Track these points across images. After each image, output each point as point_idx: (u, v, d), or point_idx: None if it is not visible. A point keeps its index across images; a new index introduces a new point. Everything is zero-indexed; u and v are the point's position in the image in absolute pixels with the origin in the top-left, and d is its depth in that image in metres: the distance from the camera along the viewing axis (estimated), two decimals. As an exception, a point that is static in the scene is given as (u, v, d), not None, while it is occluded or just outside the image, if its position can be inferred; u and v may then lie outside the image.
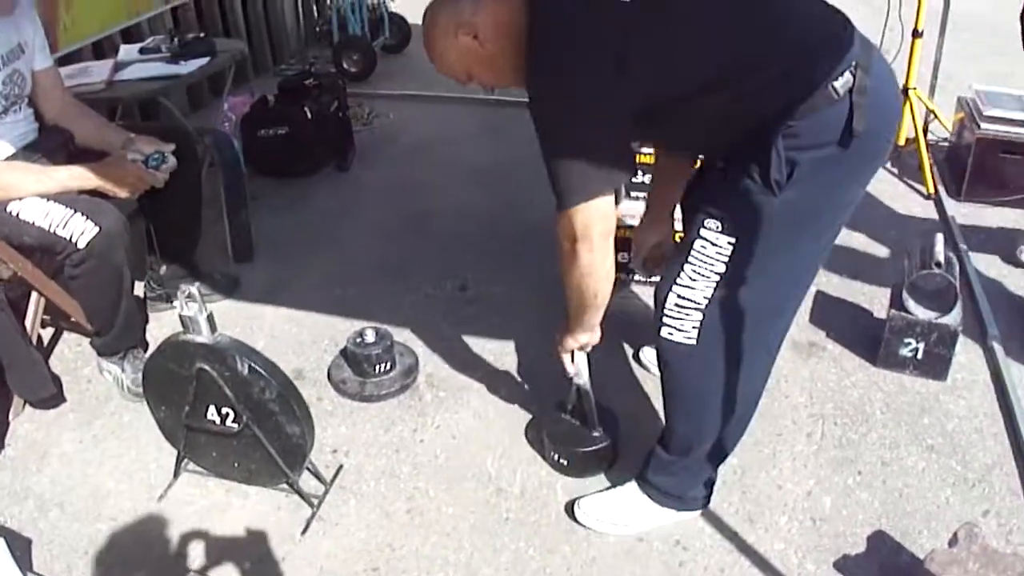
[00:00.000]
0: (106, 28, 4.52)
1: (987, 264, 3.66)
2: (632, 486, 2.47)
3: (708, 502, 2.47)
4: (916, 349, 2.95)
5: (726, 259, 1.98)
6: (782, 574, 2.31)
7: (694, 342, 2.09)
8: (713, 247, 1.99)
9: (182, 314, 2.24)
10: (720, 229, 1.97)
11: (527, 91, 1.95)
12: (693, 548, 2.40)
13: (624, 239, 2.90)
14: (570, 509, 2.50)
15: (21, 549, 2.35)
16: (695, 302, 2.05)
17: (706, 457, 2.36)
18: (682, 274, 2.04)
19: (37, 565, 2.39)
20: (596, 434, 2.61)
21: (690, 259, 2.03)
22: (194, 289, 2.21)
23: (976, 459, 2.66)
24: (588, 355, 2.49)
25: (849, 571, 2.31)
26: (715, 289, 2.02)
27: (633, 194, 3.21)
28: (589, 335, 2.34)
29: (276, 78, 5.17)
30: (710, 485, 2.45)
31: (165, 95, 3.95)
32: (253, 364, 2.28)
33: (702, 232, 2.00)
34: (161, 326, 3.30)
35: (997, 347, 3.10)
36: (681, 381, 2.24)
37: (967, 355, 3.09)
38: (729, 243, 1.97)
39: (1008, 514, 2.47)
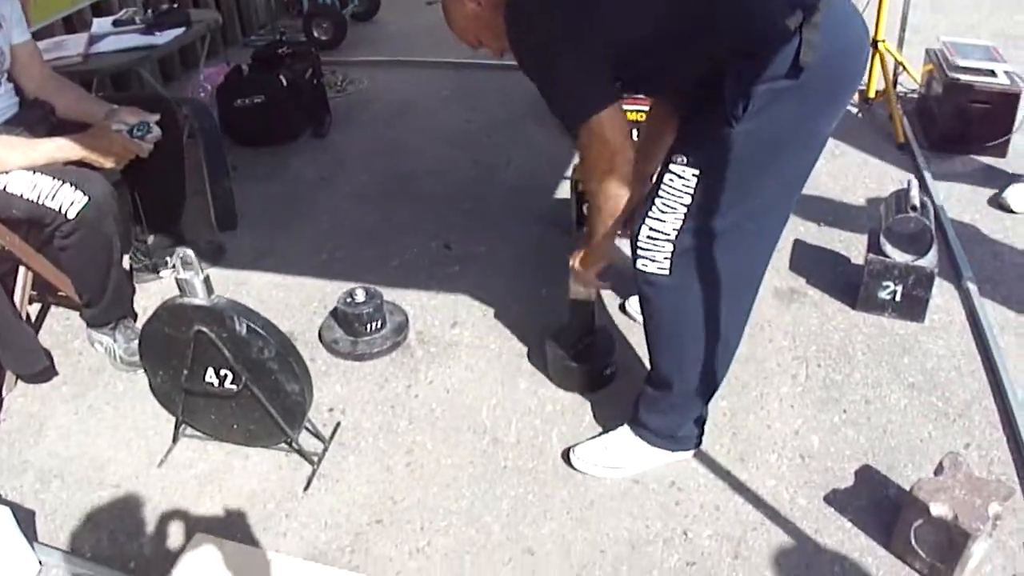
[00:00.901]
0: (77, 2, 4.49)
1: (959, 209, 3.72)
2: (624, 430, 2.53)
3: (700, 442, 2.53)
4: (894, 292, 3.02)
5: (691, 191, 2.07)
6: (775, 509, 2.38)
7: (667, 272, 2.17)
8: (679, 179, 2.07)
9: (178, 277, 2.26)
10: (685, 163, 2.06)
11: (509, 41, 2.11)
12: (688, 488, 2.46)
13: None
14: (566, 456, 2.55)
15: (24, 521, 2.36)
16: (665, 234, 2.13)
17: (692, 392, 2.41)
18: (653, 208, 2.13)
19: (42, 536, 2.41)
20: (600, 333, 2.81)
21: (659, 193, 2.12)
22: (189, 252, 2.23)
23: (956, 395, 2.74)
24: None
25: (839, 504, 2.38)
26: (684, 221, 2.10)
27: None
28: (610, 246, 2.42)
29: (247, 49, 5.15)
30: (701, 424, 2.51)
31: (141, 66, 3.94)
32: (251, 324, 2.30)
33: (670, 167, 2.10)
34: (148, 296, 3.32)
35: (972, 288, 3.17)
36: (658, 312, 2.31)
37: (943, 297, 3.16)
38: (694, 175, 2.06)
39: (988, 446, 2.55)
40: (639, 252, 2.19)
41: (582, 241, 2.47)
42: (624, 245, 3.25)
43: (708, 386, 2.44)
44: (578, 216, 3.58)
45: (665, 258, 2.16)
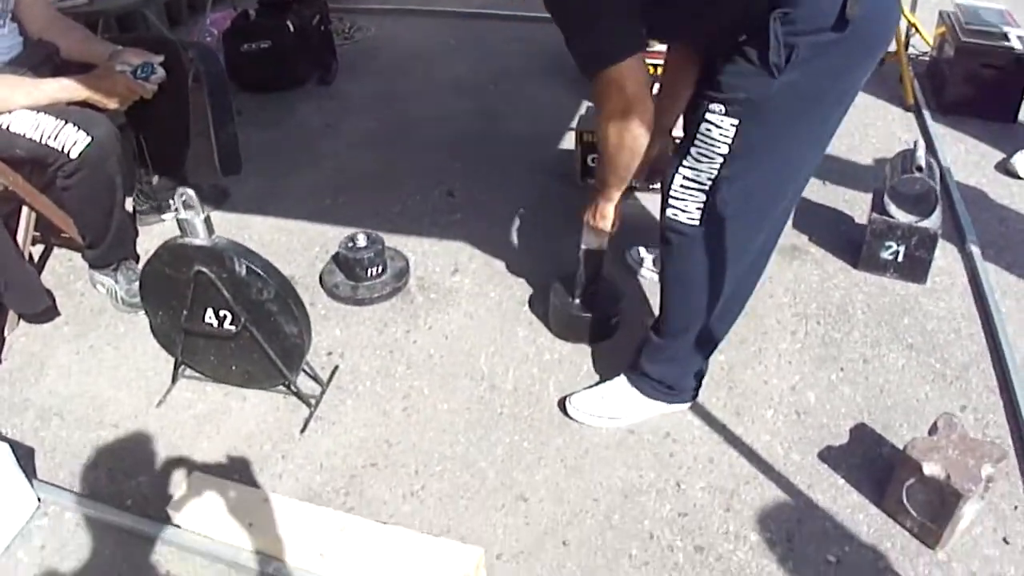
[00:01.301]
0: (83, -57, 4.45)
1: (965, 173, 3.71)
2: (621, 380, 2.54)
3: (696, 395, 2.54)
4: (897, 252, 3.01)
5: (729, 141, 2.04)
6: (768, 464, 2.39)
7: (697, 223, 2.16)
8: (717, 129, 2.04)
9: (179, 217, 2.26)
10: (724, 112, 2.02)
11: None
12: (682, 440, 2.47)
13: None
14: (562, 405, 2.57)
15: (24, 458, 2.36)
16: (699, 183, 2.12)
17: (696, 343, 2.42)
18: (688, 157, 2.11)
19: (41, 473, 2.43)
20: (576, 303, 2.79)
21: (695, 142, 2.09)
22: (190, 192, 2.22)
23: (954, 357, 2.74)
24: None
25: (833, 461, 2.39)
26: (719, 170, 2.08)
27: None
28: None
29: (253, -5, 5.11)
30: (699, 378, 2.52)
31: (147, 8, 3.91)
32: (251, 265, 2.31)
33: (707, 116, 2.05)
34: (151, 238, 3.31)
35: (975, 251, 3.16)
36: (680, 261, 2.29)
37: (946, 259, 3.16)
38: (732, 125, 2.02)
39: (985, 409, 2.55)
40: (671, 201, 2.19)
41: (593, 194, 2.46)
42: (640, 196, 3.25)
43: (713, 339, 2.45)
44: (583, 167, 3.57)
45: (697, 208, 2.15)
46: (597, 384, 2.61)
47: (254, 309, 2.38)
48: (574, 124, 3.92)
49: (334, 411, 2.60)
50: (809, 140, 2.12)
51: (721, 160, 2.07)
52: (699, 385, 2.53)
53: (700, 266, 2.26)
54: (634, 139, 2.12)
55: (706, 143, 2.06)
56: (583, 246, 2.65)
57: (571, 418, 2.53)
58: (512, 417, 2.56)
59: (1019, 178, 3.65)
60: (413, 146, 4.05)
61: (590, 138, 3.48)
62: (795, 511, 2.27)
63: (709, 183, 2.10)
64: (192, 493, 2.26)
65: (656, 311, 2.50)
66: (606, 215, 2.45)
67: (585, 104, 4.12)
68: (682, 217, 2.18)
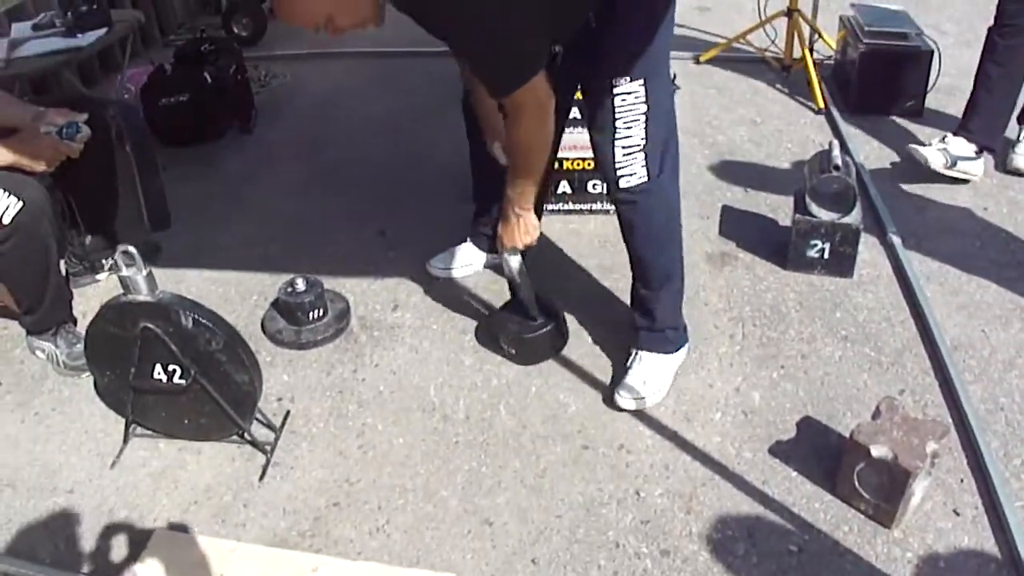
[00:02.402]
0: (-7, 6, 4.42)
1: (879, 168, 3.85)
2: (641, 355, 2.69)
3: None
4: (822, 249, 3.11)
5: (644, 99, 2.28)
6: (722, 464, 2.45)
7: (647, 178, 2.37)
8: (632, 95, 2.28)
9: (121, 275, 2.26)
10: (631, 79, 2.26)
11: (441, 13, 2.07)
12: (636, 450, 2.52)
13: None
14: (611, 400, 2.67)
15: (-22, 533, 2.34)
16: (636, 145, 2.34)
17: (681, 277, 2.66)
18: (616, 131, 2.32)
19: (-1, 547, 2.40)
20: (538, 321, 2.81)
21: (617, 113, 2.30)
22: (131, 249, 2.23)
23: (887, 345, 2.84)
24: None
25: (784, 455, 2.46)
26: (646, 127, 2.30)
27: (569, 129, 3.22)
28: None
29: (168, 49, 5.09)
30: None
31: (65, 69, 3.89)
32: (197, 317, 2.31)
33: (616, 91, 2.28)
34: (86, 300, 3.28)
35: (896, 241, 3.28)
36: (648, 218, 2.49)
37: (869, 252, 3.27)
38: (640, 85, 2.27)
39: (922, 391, 2.65)
40: (619, 173, 2.37)
41: (510, 214, 2.50)
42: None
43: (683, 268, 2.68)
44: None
45: (642, 166, 2.36)
46: (622, 374, 2.70)
47: (203, 361, 2.38)
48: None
49: (290, 455, 2.60)
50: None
51: (645, 119, 2.30)
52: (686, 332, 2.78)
53: (663, 212, 2.50)
54: (549, 135, 2.28)
55: (628, 111, 2.30)
56: (514, 267, 2.68)
57: (623, 410, 2.63)
58: (467, 444, 2.59)
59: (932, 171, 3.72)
60: (339, 188, 4.06)
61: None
62: (753, 507, 2.33)
63: (643, 141, 2.33)
64: (157, 551, 2.25)
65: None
66: (534, 224, 2.55)
67: (500, 127, 4.19)
68: (634, 181, 2.38)
